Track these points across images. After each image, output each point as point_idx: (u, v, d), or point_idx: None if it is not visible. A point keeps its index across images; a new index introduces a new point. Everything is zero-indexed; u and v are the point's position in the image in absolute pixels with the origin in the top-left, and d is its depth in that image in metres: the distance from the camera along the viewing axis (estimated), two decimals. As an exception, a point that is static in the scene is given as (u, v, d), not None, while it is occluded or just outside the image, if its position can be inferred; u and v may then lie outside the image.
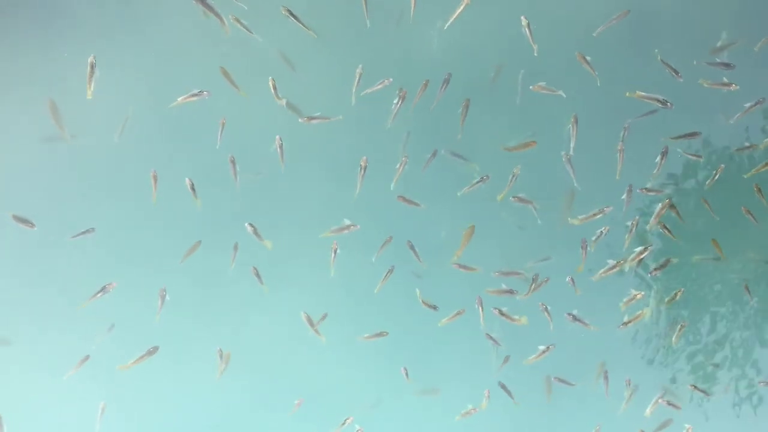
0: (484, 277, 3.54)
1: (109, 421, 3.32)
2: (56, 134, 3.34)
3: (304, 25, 3.43)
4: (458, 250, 3.51)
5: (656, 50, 3.55)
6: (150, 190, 3.36)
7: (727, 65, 3.57)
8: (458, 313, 3.51)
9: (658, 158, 3.55)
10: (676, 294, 3.64)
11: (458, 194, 3.54)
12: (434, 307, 3.51)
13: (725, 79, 3.56)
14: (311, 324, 3.44)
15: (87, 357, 3.31)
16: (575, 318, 3.51)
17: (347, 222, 3.47)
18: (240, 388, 3.44)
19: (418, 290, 3.51)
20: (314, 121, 3.46)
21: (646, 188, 3.58)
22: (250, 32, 3.39)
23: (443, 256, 3.53)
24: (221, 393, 3.42)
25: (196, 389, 3.41)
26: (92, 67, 3.29)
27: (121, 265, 3.36)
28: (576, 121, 3.49)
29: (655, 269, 3.62)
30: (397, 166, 3.51)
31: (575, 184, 3.52)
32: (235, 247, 3.41)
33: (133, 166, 3.38)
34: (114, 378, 3.33)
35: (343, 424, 3.43)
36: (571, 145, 3.52)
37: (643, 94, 3.52)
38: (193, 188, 3.38)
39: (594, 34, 3.50)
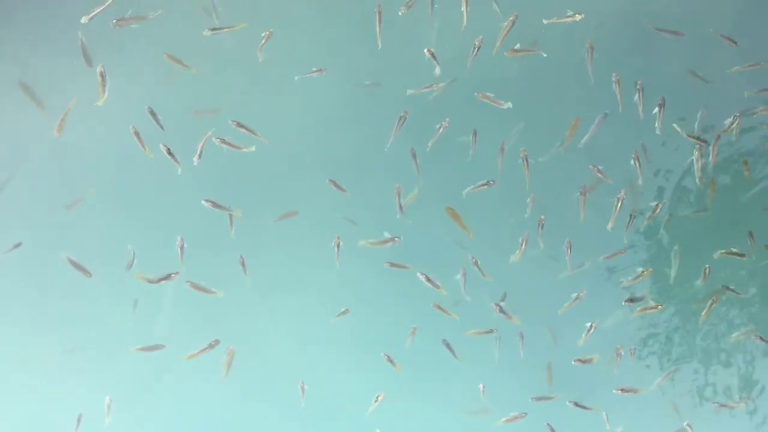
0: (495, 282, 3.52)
1: (114, 419, 3.35)
2: (55, 136, 3.36)
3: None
4: (467, 233, 3.48)
5: (673, 124, 3.52)
6: (151, 196, 3.40)
7: None
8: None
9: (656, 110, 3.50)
10: (705, 270, 3.55)
11: (463, 194, 3.51)
12: (491, 331, 3.47)
13: None
14: (200, 289, 3.37)
15: (161, 346, 3.36)
16: (501, 310, 3.45)
17: (388, 235, 3.44)
18: (244, 386, 3.47)
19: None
20: (224, 146, 3.37)
21: (598, 167, 3.50)
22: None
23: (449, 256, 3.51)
24: (225, 391, 3.45)
25: (202, 386, 3.45)
26: (102, 76, 3.26)
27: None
28: (591, 48, 3.45)
29: (629, 300, 3.55)
30: (437, 126, 3.47)
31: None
32: (230, 218, 3.40)
33: (136, 167, 3.41)
34: (118, 376, 3.40)
35: (376, 400, 3.46)
36: (589, 71, 3.49)
37: (680, 129, 3.50)
38: (170, 153, 3.31)
39: (644, 27, 3.55)
